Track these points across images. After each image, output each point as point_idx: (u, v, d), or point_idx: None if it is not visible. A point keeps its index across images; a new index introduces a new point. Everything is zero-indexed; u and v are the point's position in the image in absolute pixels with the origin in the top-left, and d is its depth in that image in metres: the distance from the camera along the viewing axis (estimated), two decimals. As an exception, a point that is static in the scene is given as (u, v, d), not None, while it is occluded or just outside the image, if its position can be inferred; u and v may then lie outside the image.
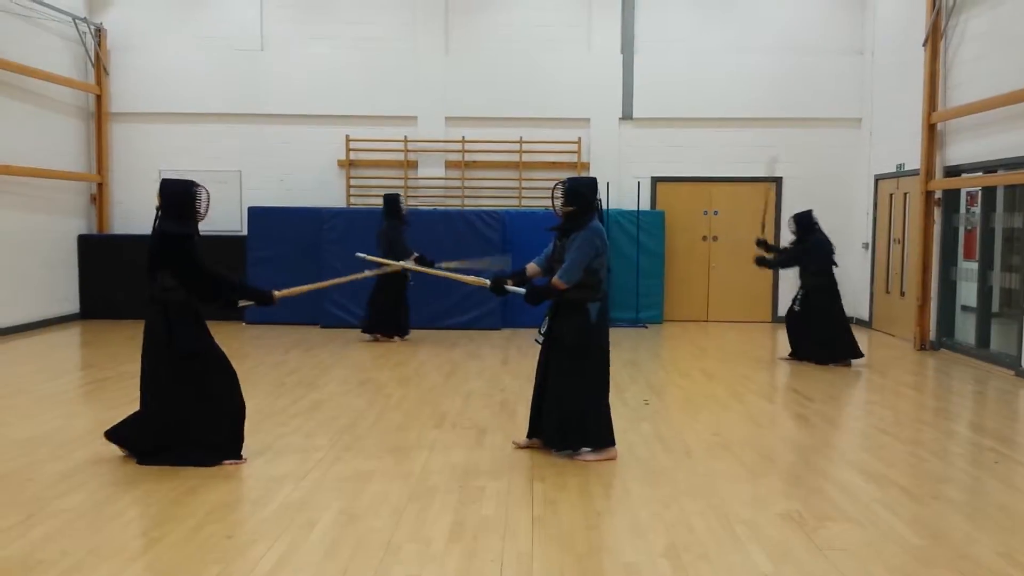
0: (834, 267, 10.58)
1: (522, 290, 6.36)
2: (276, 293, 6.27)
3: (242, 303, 6.20)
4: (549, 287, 6.20)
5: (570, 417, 6.17)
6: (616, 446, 6.34)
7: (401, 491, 5.52)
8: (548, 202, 14.52)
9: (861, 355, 10.43)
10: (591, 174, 14.43)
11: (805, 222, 10.59)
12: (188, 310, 5.94)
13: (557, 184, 6.29)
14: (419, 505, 5.26)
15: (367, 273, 7.22)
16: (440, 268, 7.10)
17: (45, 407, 7.83)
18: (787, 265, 11.01)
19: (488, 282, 6.48)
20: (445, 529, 4.86)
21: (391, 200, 11.74)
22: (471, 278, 6.72)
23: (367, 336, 12.00)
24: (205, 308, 6.02)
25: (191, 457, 5.86)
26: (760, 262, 10.89)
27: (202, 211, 5.98)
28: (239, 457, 6.05)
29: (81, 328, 13.30)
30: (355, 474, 5.87)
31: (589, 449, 6.24)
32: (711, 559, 4.46)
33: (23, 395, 8.31)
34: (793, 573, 4.30)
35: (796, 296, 10.71)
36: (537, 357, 6.49)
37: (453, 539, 4.71)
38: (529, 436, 6.51)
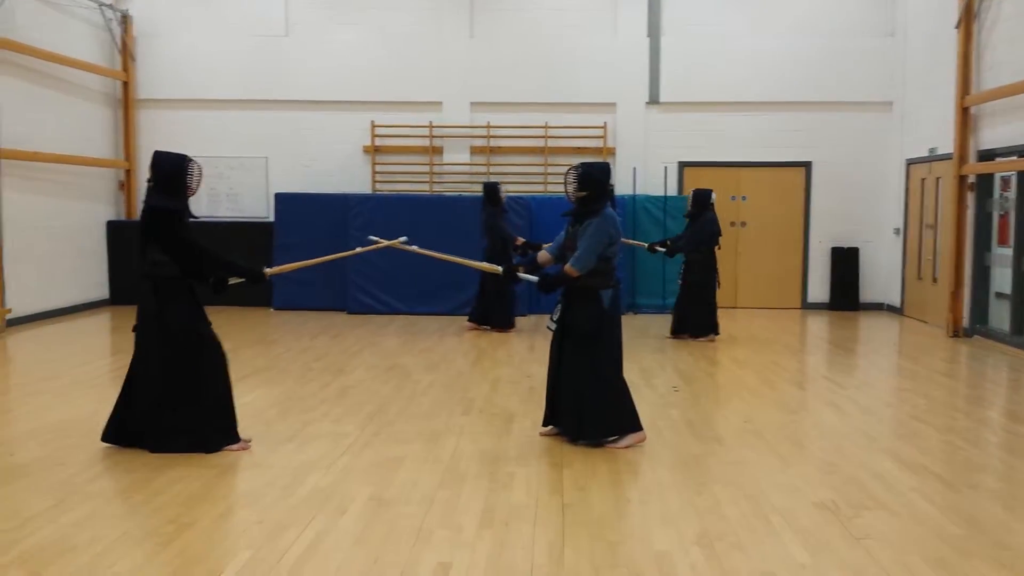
0: (716, 247, 10.96)
1: (534, 278, 6.30)
2: (267, 271, 6.21)
3: (232, 281, 6.06)
4: (562, 275, 6.14)
5: (588, 407, 6.10)
6: (644, 430, 6.27)
7: (431, 477, 5.50)
8: (575, 187, 14.52)
9: (716, 332, 10.87)
10: (617, 159, 14.34)
11: (702, 200, 10.92)
12: (180, 287, 5.85)
13: (570, 169, 6.23)
14: (449, 491, 5.24)
15: (358, 249, 7.09)
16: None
17: (77, 392, 7.88)
18: (682, 249, 11.08)
19: (500, 269, 6.43)
20: (476, 515, 4.83)
21: (490, 188, 11.53)
22: (484, 264, 6.66)
23: (482, 327, 11.66)
24: (211, 294, 5.94)
25: (177, 445, 5.79)
26: (653, 251, 11.22)
27: (193, 186, 5.86)
28: (236, 441, 5.99)
29: (111, 314, 13.39)
30: (385, 460, 5.85)
31: (615, 438, 6.18)
32: (745, 548, 4.40)
33: (56, 380, 8.37)
34: (829, 563, 4.24)
35: (681, 272, 11.17)
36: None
37: (484, 525, 4.69)
38: (545, 424, 6.46)
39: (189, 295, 5.92)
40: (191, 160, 5.89)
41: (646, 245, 11.42)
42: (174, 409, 5.81)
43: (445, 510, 4.92)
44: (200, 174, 5.92)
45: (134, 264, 5.95)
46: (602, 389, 6.12)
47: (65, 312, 12.99)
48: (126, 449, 6.00)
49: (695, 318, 10.95)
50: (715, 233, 10.94)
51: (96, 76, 13.88)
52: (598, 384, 6.11)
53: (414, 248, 6.93)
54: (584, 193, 6.12)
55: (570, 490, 5.28)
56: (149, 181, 5.86)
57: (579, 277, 6.08)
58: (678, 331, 11.15)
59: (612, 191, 6.32)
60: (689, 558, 4.27)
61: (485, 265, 6.65)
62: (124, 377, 6.07)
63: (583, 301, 6.12)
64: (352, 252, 7.70)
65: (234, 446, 5.96)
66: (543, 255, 6.43)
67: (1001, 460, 6.18)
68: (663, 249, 11.14)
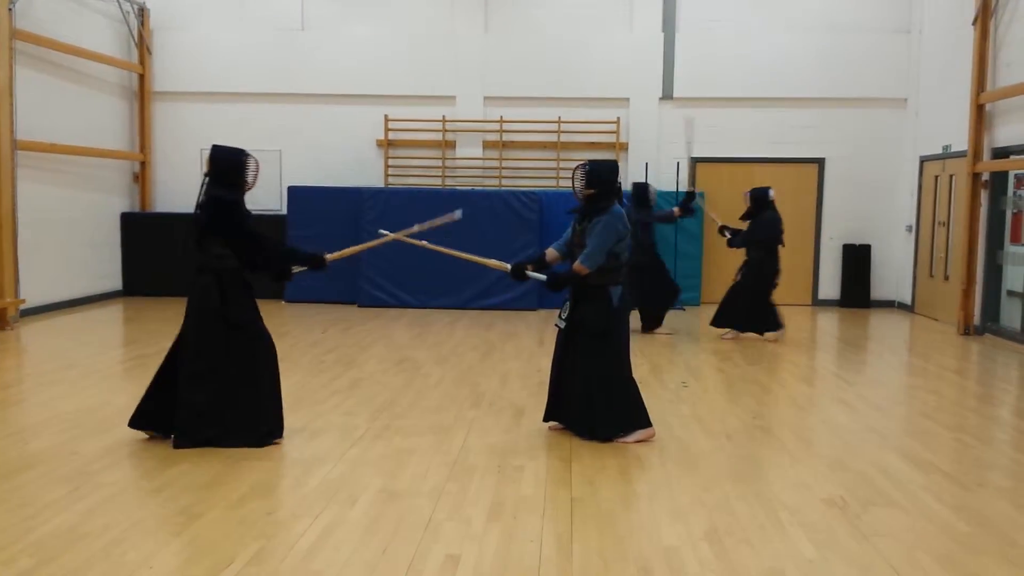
0: (779, 246, 10.68)
1: (543, 276, 6.29)
2: (328, 256, 6.22)
3: (296, 269, 6.11)
4: (571, 273, 6.13)
5: (599, 405, 6.10)
6: (652, 426, 6.28)
7: (440, 470, 5.53)
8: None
9: (778, 328, 10.60)
10: (630, 154, 14.33)
11: (760, 199, 10.67)
12: (239, 280, 5.91)
13: (578, 167, 6.23)
14: (458, 484, 5.27)
15: (390, 236, 6.99)
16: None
17: (90, 381, 7.94)
18: (741, 244, 10.92)
19: (508, 267, 6.41)
20: (485, 508, 4.86)
21: (641, 188, 11.11)
22: (492, 261, 6.62)
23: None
24: (256, 281, 5.98)
25: (236, 440, 5.83)
26: (730, 244, 11.01)
27: (250, 180, 5.92)
28: (281, 434, 6.07)
29: (123, 305, 13.48)
30: (395, 452, 5.89)
31: (623, 434, 6.20)
32: (753, 544, 4.42)
33: (70, 369, 8.44)
34: (837, 559, 4.25)
35: (740, 267, 10.89)
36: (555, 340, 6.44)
37: (493, 518, 4.71)
38: (546, 419, 6.46)
39: (247, 287, 5.97)
40: (249, 154, 5.95)
41: (719, 223, 11.25)
42: (235, 405, 5.83)
43: (454, 503, 4.95)
44: (257, 168, 5.98)
45: (188, 257, 5.99)
46: (612, 386, 6.13)
47: (79, 303, 13.08)
48: (138, 438, 6.05)
49: (748, 313, 10.62)
50: (774, 234, 10.58)
51: (112, 68, 13.95)
52: (608, 381, 6.13)
53: (424, 243, 6.89)
54: (592, 191, 6.14)
55: (579, 484, 5.30)
56: (206, 175, 5.91)
57: (588, 275, 6.09)
58: (718, 322, 10.87)
59: (620, 189, 6.30)
60: (698, 553, 4.29)
61: (493, 262, 6.59)
62: (160, 366, 6.04)
63: (593, 299, 6.13)
64: (387, 238, 7.29)
65: (279, 439, 6.02)
66: (551, 252, 6.42)
67: (1010, 458, 6.17)
68: (728, 235, 10.97)
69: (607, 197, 6.14)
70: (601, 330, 6.11)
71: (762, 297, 10.62)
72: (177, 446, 5.80)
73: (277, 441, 5.99)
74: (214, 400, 5.80)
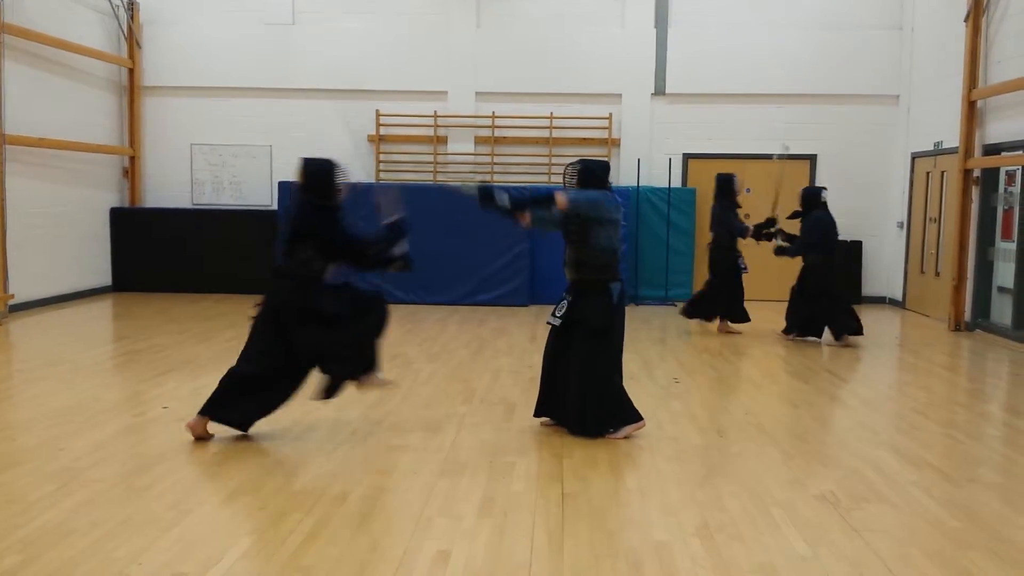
0: (833, 248, 10.33)
1: (506, 203, 6.00)
2: (395, 219, 6.18)
3: (397, 250, 6.12)
4: (549, 198, 6.00)
5: (591, 401, 6.09)
6: (643, 418, 6.26)
7: (432, 466, 5.51)
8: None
9: (861, 332, 10.25)
10: (622, 151, 14.33)
11: (811, 198, 10.38)
12: (321, 283, 5.94)
13: (570, 164, 6.22)
14: (450, 480, 5.25)
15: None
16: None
17: (80, 377, 7.90)
18: (791, 254, 10.57)
19: (475, 186, 6.15)
20: (476, 505, 4.84)
21: (724, 180, 10.86)
22: (464, 185, 6.44)
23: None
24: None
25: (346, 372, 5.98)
26: (779, 252, 10.69)
27: (342, 190, 6.02)
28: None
29: (113, 300, 13.41)
30: (386, 448, 5.87)
31: (613, 431, 6.18)
32: (745, 539, 4.41)
33: (59, 365, 8.39)
34: (829, 555, 4.24)
35: (800, 274, 10.57)
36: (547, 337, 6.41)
37: (484, 515, 4.70)
38: (536, 414, 6.44)
39: (330, 285, 6.01)
40: (338, 164, 6.08)
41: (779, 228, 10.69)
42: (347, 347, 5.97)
43: (445, 499, 4.94)
44: (347, 177, 6.11)
45: (274, 259, 6.14)
46: (607, 384, 6.12)
47: (68, 298, 13.01)
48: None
49: (823, 318, 10.26)
50: (827, 234, 10.22)
51: (102, 63, 13.86)
52: (604, 379, 6.12)
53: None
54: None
55: (570, 480, 5.29)
56: (298, 187, 5.99)
57: (587, 271, 6.03)
58: (789, 330, 10.57)
59: (610, 188, 6.27)
60: (689, 549, 4.28)
61: (463, 185, 6.37)
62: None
63: (593, 295, 6.11)
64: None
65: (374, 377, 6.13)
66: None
67: (1001, 454, 6.18)
68: (772, 240, 10.59)
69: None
70: (601, 327, 6.09)
71: (835, 301, 10.21)
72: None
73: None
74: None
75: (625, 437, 6.14)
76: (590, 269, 6.09)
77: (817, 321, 10.35)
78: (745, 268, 10.90)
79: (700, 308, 11.10)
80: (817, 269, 10.25)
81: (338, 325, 5.87)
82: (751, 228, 10.80)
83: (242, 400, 5.90)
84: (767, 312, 11.51)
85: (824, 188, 10.55)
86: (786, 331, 10.62)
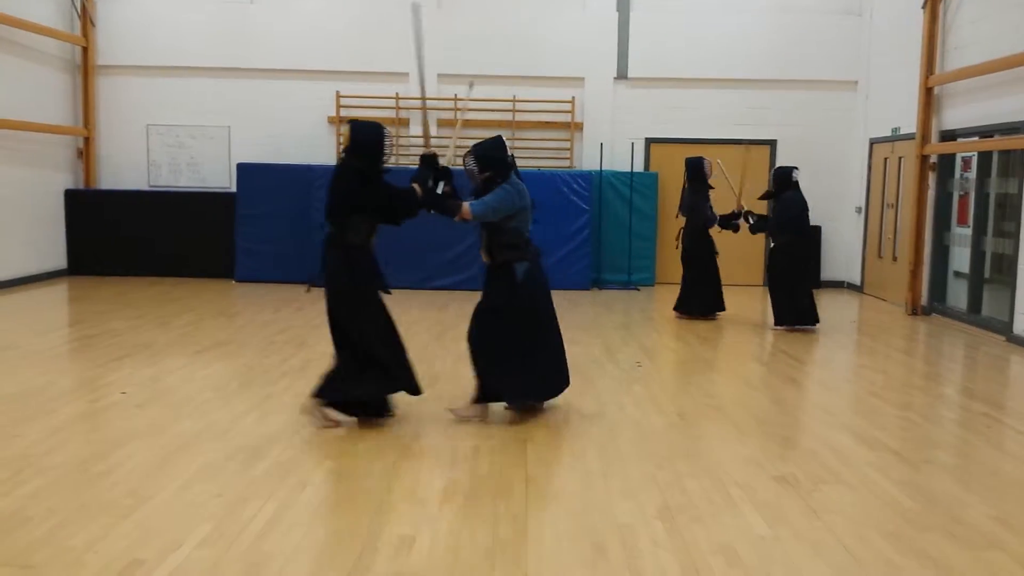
0: (805, 229, 10.29)
1: (436, 192, 6.10)
2: (429, 151, 6.15)
3: (443, 187, 6.09)
4: (456, 206, 6.04)
5: (487, 374, 6.14)
6: (540, 401, 6.34)
7: (393, 451, 5.48)
8: (542, 162, 14.46)
9: (815, 322, 10.18)
10: (584, 134, 14.31)
11: (783, 178, 10.29)
12: (367, 253, 5.95)
13: (466, 153, 6.22)
14: (411, 465, 5.23)
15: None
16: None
17: (32, 363, 7.75)
18: (765, 231, 10.58)
19: (432, 154, 6.21)
20: (438, 489, 4.83)
21: (695, 163, 10.81)
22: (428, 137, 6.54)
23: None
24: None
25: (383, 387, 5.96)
26: (755, 230, 10.62)
27: (388, 152, 5.95)
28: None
29: (68, 284, 13.17)
30: (346, 434, 5.83)
31: (506, 405, 6.28)
32: (705, 521, 4.44)
33: (10, 351, 8.22)
34: (788, 536, 4.29)
35: (768, 256, 10.50)
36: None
37: (446, 499, 4.68)
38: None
39: (374, 261, 6.01)
40: (387, 128, 6.00)
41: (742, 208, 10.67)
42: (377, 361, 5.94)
43: (407, 484, 4.91)
44: (393, 143, 6.04)
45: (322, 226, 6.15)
46: (505, 358, 6.11)
47: (21, 282, 12.76)
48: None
49: (777, 305, 10.19)
50: (800, 214, 10.13)
51: (54, 41, 13.55)
52: (502, 354, 6.11)
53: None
54: (487, 173, 6.15)
55: (533, 463, 5.29)
56: (345, 150, 5.94)
57: (495, 253, 6.09)
58: (780, 320, 10.25)
59: (513, 162, 6.25)
60: (650, 530, 4.30)
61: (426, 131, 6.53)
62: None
63: (498, 275, 6.18)
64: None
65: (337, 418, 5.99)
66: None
67: (956, 436, 6.29)
68: (752, 221, 10.47)
69: (502, 174, 6.14)
70: (499, 305, 6.13)
71: (798, 286, 10.09)
72: (317, 397, 5.92)
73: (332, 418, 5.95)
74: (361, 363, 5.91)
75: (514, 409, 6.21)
76: (498, 250, 6.14)
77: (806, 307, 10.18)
78: (716, 252, 10.88)
79: (686, 304, 10.94)
80: (787, 250, 10.18)
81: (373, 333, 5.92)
82: (718, 217, 10.80)
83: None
84: (731, 297, 11.55)
85: (796, 168, 10.47)
86: (777, 323, 10.28)
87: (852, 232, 14.34)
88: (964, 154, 11.57)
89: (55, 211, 13.80)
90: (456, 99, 14.14)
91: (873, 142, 13.72)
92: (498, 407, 6.44)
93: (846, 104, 14.33)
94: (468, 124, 14.27)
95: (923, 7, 11.71)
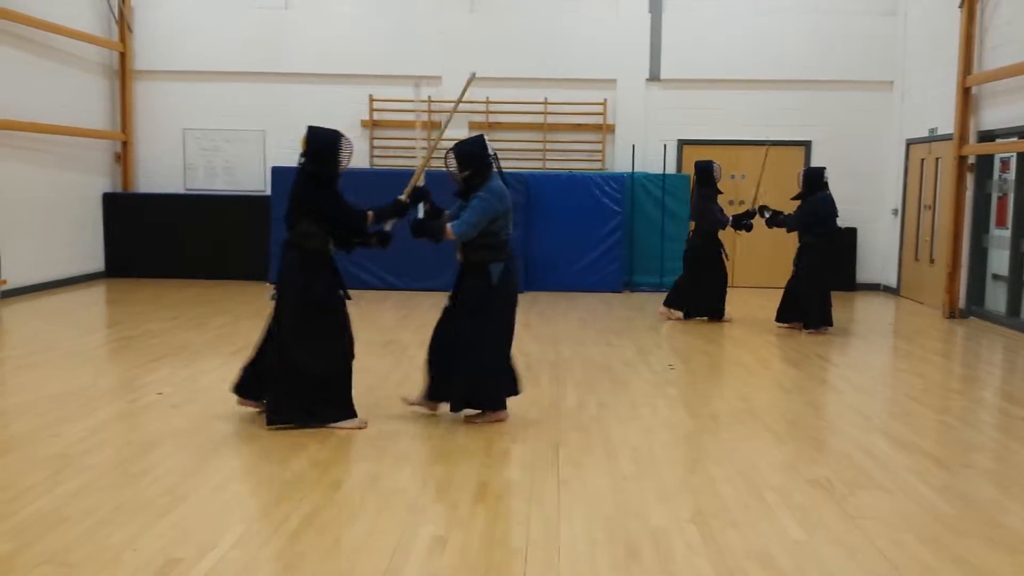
0: (832, 230, 10.23)
1: (419, 216, 6.17)
2: (400, 198, 6.16)
3: (387, 227, 6.13)
4: (439, 229, 6.06)
5: (471, 380, 6.09)
6: (506, 409, 6.24)
7: (426, 452, 5.50)
8: (575, 165, 14.46)
9: (828, 324, 10.09)
10: (616, 136, 14.29)
11: (813, 179, 10.25)
12: (324, 258, 5.96)
13: (447, 151, 6.20)
14: (444, 467, 5.24)
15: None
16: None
17: (73, 364, 7.86)
18: (786, 225, 10.49)
19: (404, 198, 6.20)
20: (471, 491, 4.83)
21: (704, 167, 10.70)
22: (416, 179, 6.32)
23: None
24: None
25: (290, 415, 5.85)
26: (771, 223, 10.56)
27: (344, 161, 5.99)
28: (352, 417, 5.99)
29: (106, 286, 13.36)
30: (380, 435, 5.85)
31: (480, 412, 6.19)
32: (740, 526, 4.41)
33: (51, 352, 8.35)
34: (825, 541, 4.25)
35: (795, 257, 10.41)
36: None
37: (478, 501, 4.69)
38: (430, 398, 6.34)
39: (332, 268, 6.04)
40: (343, 136, 6.02)
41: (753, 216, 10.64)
42: (296, 377, 5.84)
43: (440, 485, 4.93)
44: (351, 150, 6.05)
45: (282, 233, 6.11)
46: (485, 363, 6.08)
47: (60, 284, 12.95)
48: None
49: (806, 306, 10.07)
50: (828, 214, 10.12)
51: (93, 46, 13.75)
52: (483, 358, 6.07)
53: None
54: (468, 172, 6.11)
55: (565, 466, 5.28)
56: (302, 156, 5.97)
57: (469, 251, 6.07)
58: (784, 318, 10.34)
59: (496, 160, 6.21)
60: (684, 535, 4.28)
61: (416, 178, 6.35)
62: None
63: (472, 275, 6.14)
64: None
65: (348, 423, 5.96)
66: (447, 215, 6.30)
67: (995, 440, 6.20)
68: (768, 215, 10.44)
69: (482, 173, 6.11)
70: (475, 307, 6.09)
71: (819, 287, 10.03)
72: (270, 422, 5.85)
73: (343, 425, 5.92)
74: (304, 379, 5.85)
75: (486, 423, 6.10)
76: (473, 250, 6.11)
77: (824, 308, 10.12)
78: (727, 256, 10.87)
79: (688, 304, 10.92)
80: (813, 250, 10.11)
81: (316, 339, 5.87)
82: (731, 218, 10.76)
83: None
84: (758, 299, 11.48)
85: (825, 168, 10.41)
86: (806, 326, 10.16)
87: (889, 234, 14.18)
88: (1003, 155, 11.40)
89: (94, 214, 14.00)
90: (488, 102, 14.16)
91: (910, 143, 13.56)
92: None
93: (881, 105, 14.18)
94: (499, 127, 14.32)
95: (960, 6, 11.56)
